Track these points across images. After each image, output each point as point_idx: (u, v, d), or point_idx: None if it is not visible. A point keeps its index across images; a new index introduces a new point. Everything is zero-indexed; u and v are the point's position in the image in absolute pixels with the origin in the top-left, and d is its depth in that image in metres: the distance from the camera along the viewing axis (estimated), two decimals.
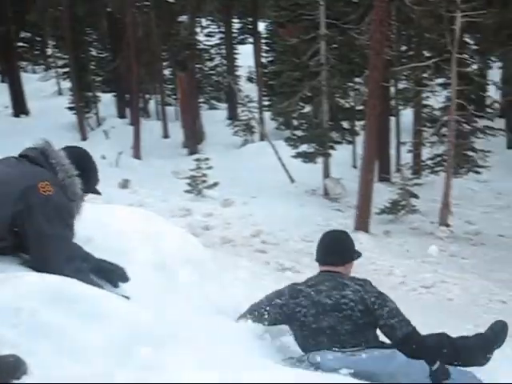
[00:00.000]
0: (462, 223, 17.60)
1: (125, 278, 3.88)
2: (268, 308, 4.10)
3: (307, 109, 21.99)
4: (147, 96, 32.84)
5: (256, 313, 4.12)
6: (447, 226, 16.94)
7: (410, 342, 4.03)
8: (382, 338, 4.24)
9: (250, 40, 36.06)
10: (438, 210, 17.25)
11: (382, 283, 13.54)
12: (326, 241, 4.35)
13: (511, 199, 20.07)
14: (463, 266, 14.89)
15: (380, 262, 14.55)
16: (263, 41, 34.15)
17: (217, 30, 38.01)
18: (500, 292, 13.30)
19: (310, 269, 6.91)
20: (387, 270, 14.17)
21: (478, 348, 4.22)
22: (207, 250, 5.75)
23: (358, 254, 4.43)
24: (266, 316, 4.07)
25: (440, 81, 20.53)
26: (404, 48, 23.26)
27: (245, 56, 34.07)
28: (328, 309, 4.00)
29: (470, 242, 16.43)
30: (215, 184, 18.99)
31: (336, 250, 4.27)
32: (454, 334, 4.36)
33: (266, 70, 31.04)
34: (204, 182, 19.04)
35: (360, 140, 19.99)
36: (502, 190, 20.90)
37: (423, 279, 13.75)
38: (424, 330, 4.39)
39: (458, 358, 4.04)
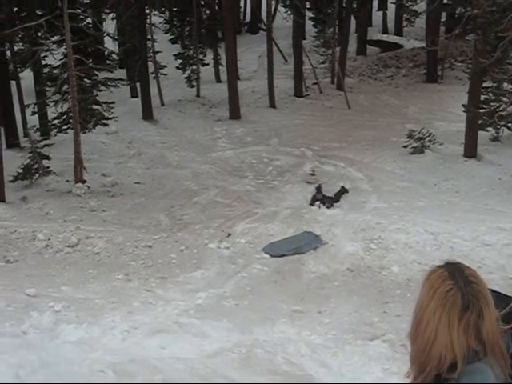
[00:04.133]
0: (98, 177, 17.75)
1: None
2: None
3: None
4: None
5: None
6: (83, 182, 16.94)
7: None
8: None
9: None
10: (72, 168, 17.15)
11: (27, 250, 13.22)
12: None
13: (141, 146, 20.75)
14: (105, 218, 15.10)
15: (21, 230, 14.11)
16: None
17: None
18: (144, 237, 13.82)
19: None
20: (30, 235, 13.81)
21: None
22: None
23: None
24: None
25: (55, 38, 20.14)
26: (16, 8, 22.27)
27: None
28: None
29: (108, 194, 16.67)
30: None
31: None
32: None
33: None
34: None
35: None
36: (131, 138, 21.48)
37: (68, 238, 13.69)
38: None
39: None
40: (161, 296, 11.26)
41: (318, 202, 15.92)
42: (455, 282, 2.15)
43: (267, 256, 13.01)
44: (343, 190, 16.60)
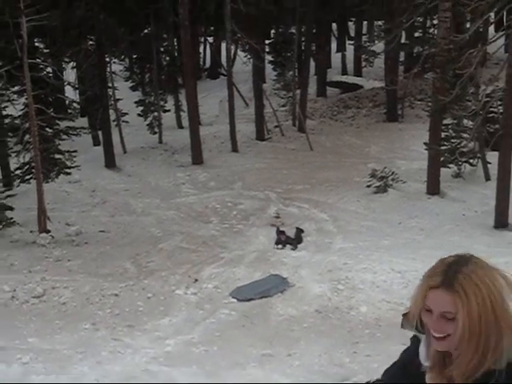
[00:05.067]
0: (63, 226, 17.61)
1: None
2: None
3: None
4: None
5: None
6: (47, 232, 16.80)
7: None
8: None
9: None
10: (36, 218, 17.00)
11: None
12: None
13: (104, 194, 20.68)
14: (71, 268, 14.95)
15: None
16: None
17: None
18: (110, 286, 13.70)
19: None
20: None
21: None
22: None
23: None
24: None
25: (16, 88, 20.13)
26: None
27: None
28: None
29: (72, 244, 16.54)
30: None
31: None
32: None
33: None
34: None
35: None
36: (94, 187, 21.40)
37: (33, 289, 13.50)
38: None
39: None
40: (129, 344, 11.15)
41: (280, 245, 16.00)
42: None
43: (234, 300, 12.98)
44: (299, 231, 16.70)
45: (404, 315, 2.38)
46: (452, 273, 2.18)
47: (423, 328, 2.29)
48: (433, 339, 2.25)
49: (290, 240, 16.18)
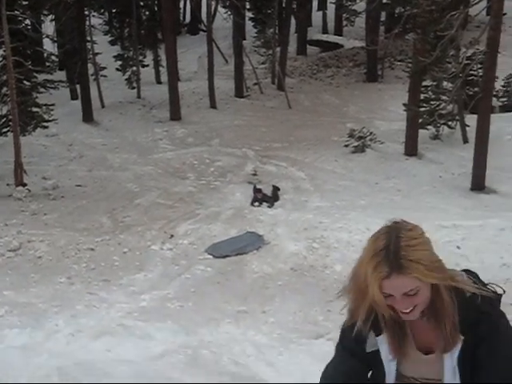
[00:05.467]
0: (39, 180, 17.52)
1: None
2: None
3: None
4: None
5: None
6: (24, 185, 16.70)
7: None
8: None
9: None
10: (12, 172, 16.89)
11: None
12: None
13: (81, 149, 20.56)
14: (47, 221, 14.91)
15: None
16: None
17: None
18: (86, 240, 13.69)
19: None
20: None
21: None
22: None
23: None
24: None
25: None
26: None
27: None
28: None
29: (49, 198, 16.47)
30: None
31: None
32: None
33: None
34: None
35: None
36: (72, 141, 21.25)
37: (9, 243, 13.47)
38: None
39: None
40: (104, 299, 11.18)
41: (257, 203, 16.05)
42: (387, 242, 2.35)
43: (210, 257, 13.03)
44: (276, 189, 16.75)
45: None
46: (393, 255, 2.27)
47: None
48: (402, 314, 2.37)
49: (266, 198, 16.23)
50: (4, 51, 17.42)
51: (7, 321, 10.02)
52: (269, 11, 28.83)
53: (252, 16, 30.09)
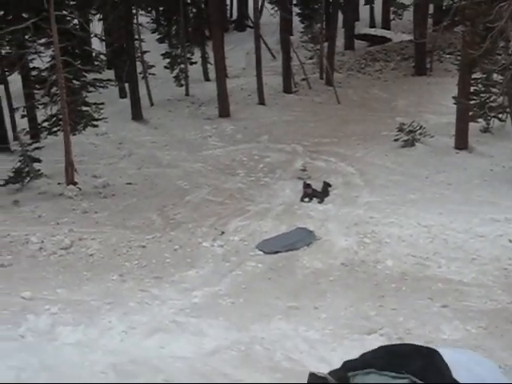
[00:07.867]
0: (90, 178, 17.71)
1: None
2: None
3: None
4: None
5: None
6: (74, 184, 16.91)
7: None
8: None
9: None
10: (63, 170, 17.11)
11: (21, 253, 13.18)
12: None
13: (131, 147, 20.72)
14: (98, 220, 15.07)
15: (14, 233, 14.06)
16: None
17: None
18: (137, 238, 13.81)
19: None
20: (23, 239, 13.77)
21: None
22: None
23: None
24: None
25: (42, 41, 20.07)
26: (2, 12, 22.15)
27: None
28: None
29: (100, 196, 16.65)
30: None
31: None
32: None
33: None
34: None
35: None
36: (121, 139, 21.44)
37: (61, 241, 13.65)
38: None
39: None
40: (156, 296, 11.26)
41: (307, 199, 15.94)
42: None
43: (261, 253, 13.01)
44: (326, 184, 16.61)
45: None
46: None
47: None
48: None
49: (316, 193, 16.12)
50: (53, 51, 17.66)
51: (61, 318, 10.15)
52: (316, 6, 28.67)
53: (299, 11, 29.92)
